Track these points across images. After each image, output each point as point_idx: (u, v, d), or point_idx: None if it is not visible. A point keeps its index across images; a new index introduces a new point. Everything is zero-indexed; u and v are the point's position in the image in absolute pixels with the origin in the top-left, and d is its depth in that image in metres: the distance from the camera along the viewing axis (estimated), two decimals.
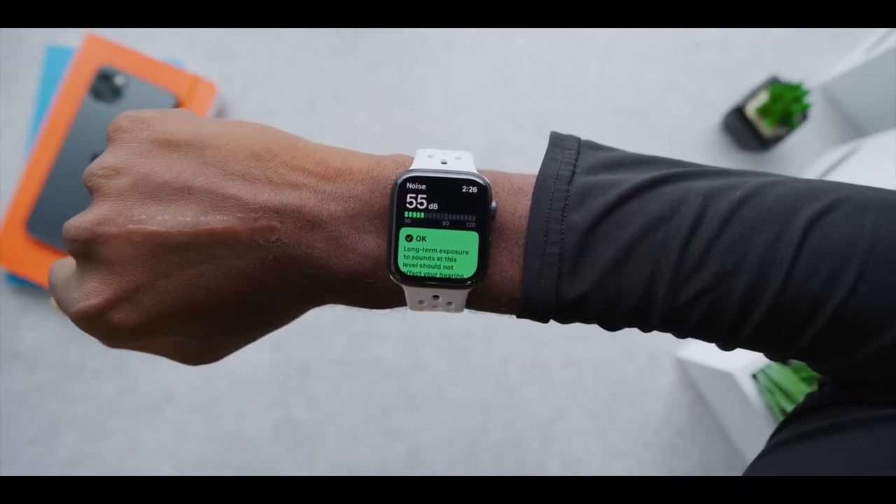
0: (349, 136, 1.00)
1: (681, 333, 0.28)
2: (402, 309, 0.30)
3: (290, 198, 0.27)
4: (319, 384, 0.95)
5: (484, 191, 0.27)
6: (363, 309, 0.30)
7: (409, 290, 0.28)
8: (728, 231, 0.26)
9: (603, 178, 0.27)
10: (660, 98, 1.05)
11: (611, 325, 0.28)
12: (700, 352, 0.97)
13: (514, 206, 0.28)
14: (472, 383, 0.96)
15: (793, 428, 0.29)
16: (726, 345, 0.28)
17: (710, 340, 0.28)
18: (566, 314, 0.28)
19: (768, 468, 0.28)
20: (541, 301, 0.27)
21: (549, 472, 0.95)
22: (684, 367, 1.00)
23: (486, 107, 1.03)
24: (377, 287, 0.28)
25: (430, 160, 0.28)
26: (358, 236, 0.27)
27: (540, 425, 0.96)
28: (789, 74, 1.04)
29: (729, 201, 0.26)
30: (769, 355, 0.28)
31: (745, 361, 0.84)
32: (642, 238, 0.26)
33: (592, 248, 0.26)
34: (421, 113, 1.02)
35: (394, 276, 0.27)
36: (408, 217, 0.27)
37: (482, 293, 0.28)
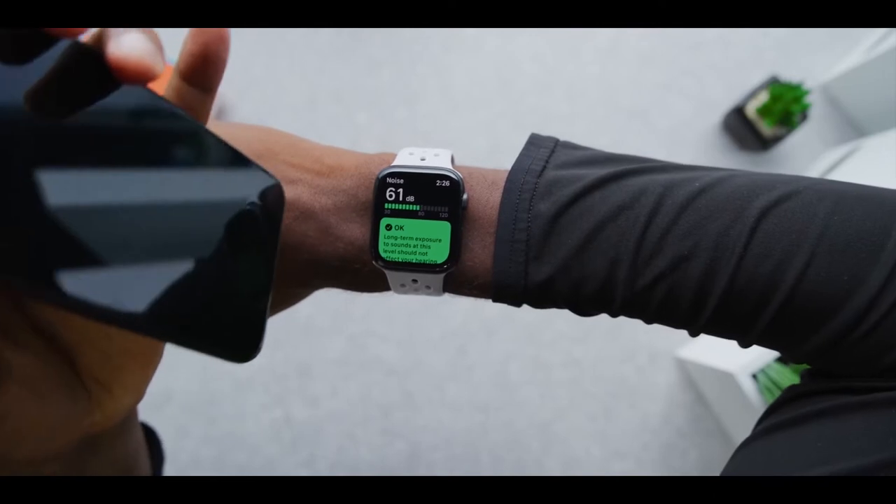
0: (349, 135, 1.00)
1: (645, 318, 0.29)
2: (388, 293, 0.33)
3: (287, 192, 0.29)
4: (319, 384, 0.95)
5: (456, 185, 0.29)
6: (362, 294, 0.33)
7: (390, 274, 0.31)
8: (684, 218, 0.27)
9: (572, 172, 0.29)
10: (660, 98, 1.05)
11: (579, 308, 0.30)
12: (700, 352, 0.96)
13: (486, 198, 0.30)
14: (472, 383, 0.97)
15: (772, 418, 0.30)
16: (690, 330, 0.29)
17: (673, 325, 0.29)
18: (536, 297, 0.29)
19: (747, 459, 0.29)
20: (510, 284, 0.29)
21: (548, 472, 0.95)
22: (684, 367, 1.00)
23: (486, 107, 1.03)
24: (363, 271, 0.30)
25: (410, 157, 0.30)
26: (345, 226, 0.30)
27: (539, 425, 0.96)
28: (789, 74, 1.04)
29: (687, 191, 0.27)
30: (739, 342, 0.29)
31: (744, 361, 0.84)
32: (604, 225, 0.27)
33: (557, 235, 0.28)
34: (421, 113, 1.02)
35: (376, 261, 0.30)
36: (388, 208, 0.29)
37: (457, 277, 0.30)
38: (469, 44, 1.00)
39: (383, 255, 0.29)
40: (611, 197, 0.28)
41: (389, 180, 0.29)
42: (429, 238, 0.29)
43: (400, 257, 0.29)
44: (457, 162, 0.31)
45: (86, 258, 0.17)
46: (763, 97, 0.99)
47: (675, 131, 1.04)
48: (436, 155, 0.31)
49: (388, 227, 0.29)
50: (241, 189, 0.24)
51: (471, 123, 1.02)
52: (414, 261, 0.29)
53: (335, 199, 0.30)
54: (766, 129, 0.99)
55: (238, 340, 0.23)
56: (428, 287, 0.31)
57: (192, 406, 0.94)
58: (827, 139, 1.05)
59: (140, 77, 0.18)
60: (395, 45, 0.99)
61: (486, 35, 0.99)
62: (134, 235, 0.19)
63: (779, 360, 0.84)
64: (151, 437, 0.35)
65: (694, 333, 0.29)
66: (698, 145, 1.03)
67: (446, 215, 0.29)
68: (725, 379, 0.87)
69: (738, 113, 1.00)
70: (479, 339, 0.98)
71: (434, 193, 0.29)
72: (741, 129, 1.01)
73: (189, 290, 0.20)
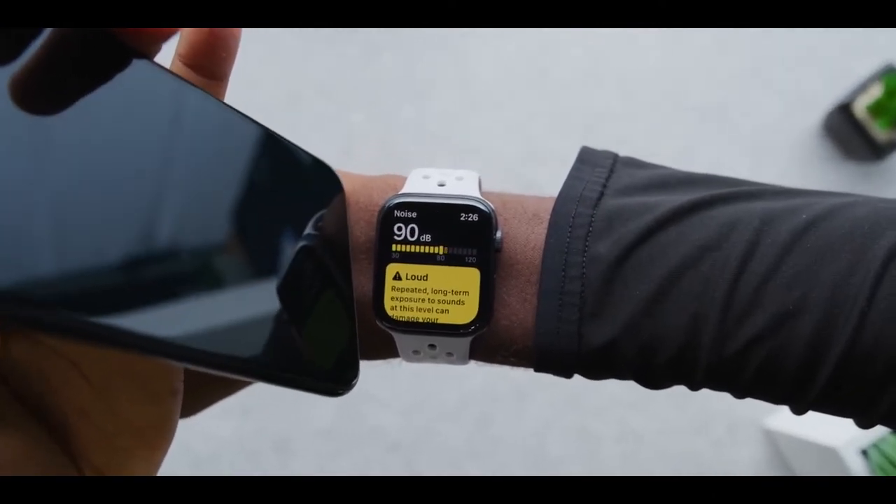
0: (341, 141, 0.98)
1: (736, 391, 0.29)
2: (396, 361, 0.32)
3: None
4: (301, 461, 0.92)
5: (487, 218, 0.28)
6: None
7: (399, 338, 0.30)
8: (789, 262, 0.26)
9: (638, 199, 0.29)
10: (740, 93, 1.02)
11: (649, 379, 0.29)
12: (794, 421, 0.94)
13: (526, 236, 0.29)
14: (498, 460, 0.93)
15: None
16: (795, 406, 0.29)
17: (772, 400, 0.29)
18: (593, 365, 0.28)
19: None
20: (560, 349, 0.28)
21: None
22: (773, 441, 0.97)
23: (516, 104, 1.01)
24: (363, 334, 0.30)
25: (425, 182, 0.30)
26: None
27: None
28: None
29: (792, 226, 0.27)
30: (858, 421, 0.29)
31: (851, 434, 0.82)
32: (683, 271, 0.27)
33: (622, 284, 0.27)
34: (433, 111, 1.00)
35: (380, 320, 0.29)
36: (396, 251, 0.28)
37: (489, 341, 0.29)
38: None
39: (390, 312, 0.28)
40: (691, 234, 0.27)
41: (398, 213, 0.28)
42: (452, 290, 0.28)
43: (413, 316, 0.28)
44: (484, 182, 0.30)
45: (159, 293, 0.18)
46: (876, 91, 0.96)
47: (761, 135, 1.01)
48: (458, 179, 0.30)
49: (397, 275, 0.28)
50: (312, 193, 0.27)
51: (497, 126, 1.00)
52: (432, 320, 0.28)
53: None
54: (879, 131, 0.96)
55: (334, 369, 0.25)
56: (450, 354, 0.30)
57: None
58: None
59: (159, 34, 0.19)
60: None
61: None
62: (196, 257, 0.20)
63: None
64: None
65: (799, 410, 0.29)
66: (791, 153, 1.00)
67: (474, 260, 0.28)
68: (827, 455, 0.85)
69: (843, 111, 0.97)
70: (506, 405, 0.95)
71: (458, 231, 0.28)
72: (847, 131, 0.98)
73: (278, 320, 0.23)
